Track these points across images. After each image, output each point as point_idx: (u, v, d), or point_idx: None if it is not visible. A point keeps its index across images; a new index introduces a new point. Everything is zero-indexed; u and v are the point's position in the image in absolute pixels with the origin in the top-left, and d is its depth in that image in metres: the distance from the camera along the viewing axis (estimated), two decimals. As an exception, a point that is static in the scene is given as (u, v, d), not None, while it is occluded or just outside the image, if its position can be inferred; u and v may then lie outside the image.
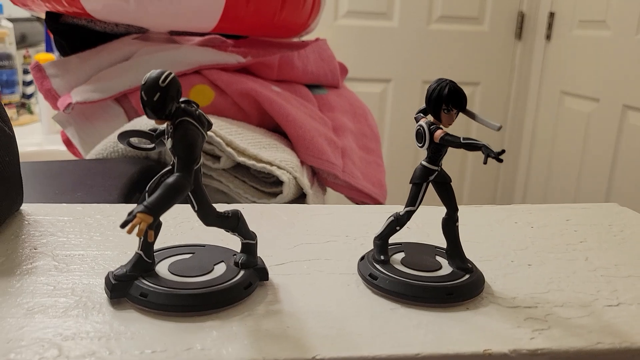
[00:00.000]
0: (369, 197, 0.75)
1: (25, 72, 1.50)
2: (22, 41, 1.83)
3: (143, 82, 0.28)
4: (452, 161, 2.16)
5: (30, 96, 1.50)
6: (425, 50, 2.12)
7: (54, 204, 0.46)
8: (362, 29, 2.07)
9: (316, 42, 0.85)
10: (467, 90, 2.17)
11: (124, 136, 0.33)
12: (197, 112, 0.30)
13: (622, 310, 0.34)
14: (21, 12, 1.99)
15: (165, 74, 0.28)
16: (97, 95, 0.70)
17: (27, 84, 1.50)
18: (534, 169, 2.15)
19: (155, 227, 0.33)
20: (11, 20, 1.68)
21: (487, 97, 2.18)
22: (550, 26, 2.04)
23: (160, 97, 0.28)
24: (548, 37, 2.06)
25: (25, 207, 0.45)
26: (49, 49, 1.65)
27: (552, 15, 2.04)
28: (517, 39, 2.16)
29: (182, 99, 0.30)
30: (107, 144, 0.65)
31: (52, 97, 0.73)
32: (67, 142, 0.77)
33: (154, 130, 0.33)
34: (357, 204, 0.79)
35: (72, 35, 0.76)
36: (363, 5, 2.06)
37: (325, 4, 0.85)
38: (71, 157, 0.83)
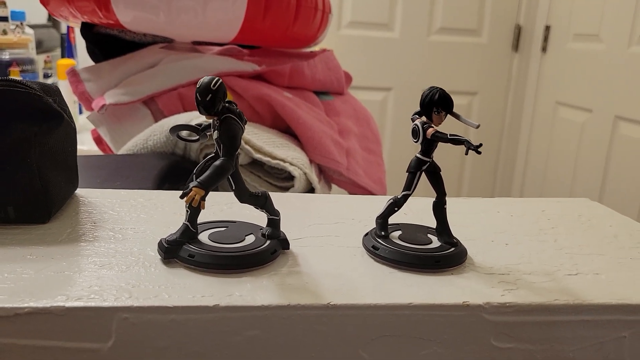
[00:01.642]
0: (370, 193, 0.83)
1: (46, 76, 1.58)
2: (39, 47, 1.91)
3: (198, 86, 0.36)
4: (451, 178, 2.24)
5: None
6: (425, 60, 2.20)
7: (102, 189, 0.54)
8: (365, 39, 2.15)
9: (324, 53, 0.93)
10: (464, 99, 2.25)
11: (175, 129, 0.41)
12: (237, 110, 0.38)
13: (580, 279, 0.42)
14: (38, 19, 2.08)
15: (215, 80, 0.36)
16: (127, 98, 0.77)
17: (47, 87, 1.58)
18: (529, 176, 2.22)
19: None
20: (31, 26, 1.76)
21: (484, 106, 2.26)
22: (546, 39, 2.12)
23: (211, 97, 0.36)
24: (544, 49, 2.13)
25: (78, 191, 0.53)
26: (69, 55, 1.73)
27: (548, 28, 2.12)
28: (514, 50, 2.23)
29: (227, 100, 0.38)
30: (137, 141, 0.73)
31: (85, 99, 0.81)
32: (98, 140, 0.85)
33: (199, 125, 0.41)
34: (360, 200, 0.86)
35: (104, 43, 0.84)
36: (365, 16, 2.14)
37: (332, 18, 0.93)
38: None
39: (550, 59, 2.10)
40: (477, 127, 0.39)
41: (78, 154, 0.51)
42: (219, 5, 0.74)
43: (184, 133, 0.41)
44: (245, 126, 0.75)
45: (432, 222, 0.45)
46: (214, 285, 0.37)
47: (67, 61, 1.50)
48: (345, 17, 2.13)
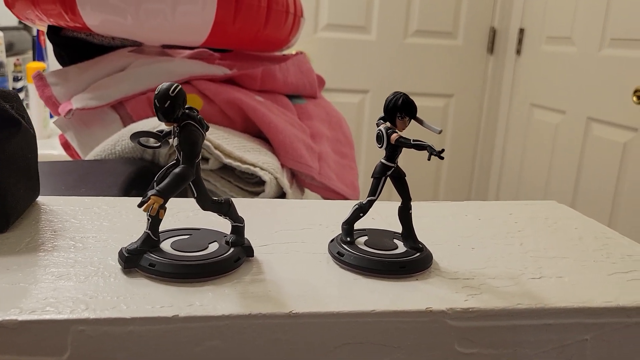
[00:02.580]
0: (342, 197, 0.83)
1: (15, 79, 1.56)
2: (10, 49, 1.88)
3: (156, 92, 0.35)
4: (428, 180, 2.25)
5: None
6: (402, 62, 2.21)
7: (65, 196, 0.53)
8: (341, 42, 2.16)
9: (296, 56, 0.92)
10: (441, 102, 2.27)
11: (136, 136, 0.40)
12: (198, 116, 0.37)
13: (543, 282, 0.42)
14: (9, 21, 2.04)
15: (174, 86, 0.35)
16: (95, 103, 0.76)
17: (17, 90, 1.55)
18: (505, 176, 2.24)
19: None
20: (0, 29, 1.73)
21: (460, 108, 2.28)
22: (520, 41, 2.15)
23: (170, 104, 0.35)
24: (518, 51, 2.16)
25: (40, 199, 0.52)
26: (39, 58, 1.70)
27: (522, 31, 2.14)
28: (489, 53, 2.26)
29: (187, 106, 0.37)
30: (105, 147, 0.72)
31: (52, 103, 0.79)
32: (65, 145, 0.84)
33: (161, 131, 0.40)
34: (333, 204, 0.86)
35: (72, 47, 0.82)
36: (342, 19, 2.14)
37: (305, 22, 0.93)
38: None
39: (524, 62, 2.13)
40: (439, 132, 0.39)
41: (48, 159, 0.49)
42: (188, 8, 0.74)
43: (144, 140, 0.41)
44: (216, 131, 0.75)
45: (399, 227, 0.45)
46: (175, 294, 0.36)
47: (37, 64, 1.48)
48: (322, 19, 2.13)
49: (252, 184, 0.73)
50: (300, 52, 0.97)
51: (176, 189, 0.35)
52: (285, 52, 0.99)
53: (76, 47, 0.82)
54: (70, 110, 0.75)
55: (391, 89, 2.21)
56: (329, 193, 0.82)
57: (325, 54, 2.13)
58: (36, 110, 1.39)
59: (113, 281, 0.37)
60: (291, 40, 0.90)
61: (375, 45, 2.18)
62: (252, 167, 0.69)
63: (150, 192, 0.34)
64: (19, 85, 1.55)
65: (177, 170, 0.36)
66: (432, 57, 2.22)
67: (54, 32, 0.82)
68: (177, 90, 0.35)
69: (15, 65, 1.57)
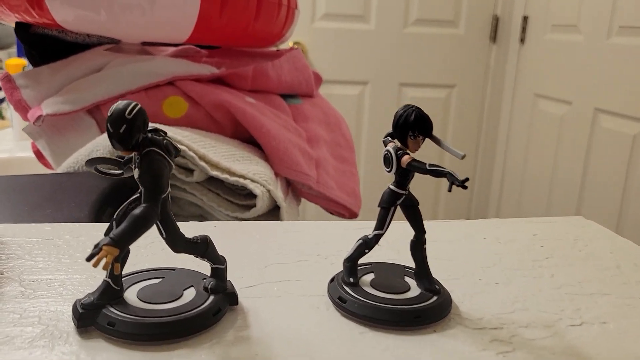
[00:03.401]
0: (343, 207, 0.76)
1: (-4, 76, 1.47)
2: (-6, 43, 1.80)
3: (109, 114, 0.28)
4: (427, 177, 2.18)
5: (1, 101, 1.48)
6: (402, 52, 2.13)
7: (22, 224, 0.46)
8: (339, 32, 2.08)
9: (290, 52, 0.85)
10: (443, 92, 2.19)
11: (92, 162, 0.33)
12: (164, 141, 0.30)
13: (584, 330, 0.35)
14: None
15: (132, 105, 0.28)
16: (69, 107, 0.69)
17: (-3, 88, 1.47)
18: (509, 169, 2.18)
19: (124, 255, 0.33)
20: (-19, 22, 1.63)
21: (462, 99, 2.21)
22: (524, 30, 2.07)
23: (126, 128, 0.28)
24: (522, 40, 2.09)
25: (-8, 227, 0.45)
26: (20, 53, 1.62)
27: (525, 19, 2.07)
28: (492, 42, 2.18)
29: (150, 127, 0.30)
30: (79, 157, 0.65)
31: (22, 108, 0.72)
32: (38, 154, 0.76)
33: (122, 157, 0.33)
34: (331, 213, 0.79)
35: (43, 45, 0.75)
36: (340, 8, 2.06)
37: (299, 14, 0.85)
38: (42, 167, 0.82)
39: (528, 51, 2.06)
40: (462, 157, 0.32)
41: (30, 162, 0.42)
42: (168, 1, 0.66)
43: (102, 167, 0.34)
44: (202, 138, 0.67)
45: (408, 253, 0.38)
46: (138, 364, 0.29)
47: (16, 61, 1.40)
48: (319, 9, 2.05)
49: (243, 197, 0.65)
50: (294, 46, 0.90)
51: (135, 235, 0.28)
52: (280, 46, 0.91)
53: (47, 45, 0.75)
54: (40, 116, 0.67)
55: (391, 79, 2.14)
56: (329, 203, 0.75)
57: (322, 45, 2.05)
58: (17, 108, 1.31)
59: (63, 346, 0.30)
60: (285, 34, 0.83)
61: (374, 34, 2.11)
62: (241, 180, 0.62)
63: (102, 241, 0.27)
64: None
65: (137, 211, 0.28)
66: (433, 46, 2.14)
67: (22, 29, 0.74)
68: (135, 110, 0.28)
69: (-5, 61, 1.48)
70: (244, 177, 0.62)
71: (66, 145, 0.71)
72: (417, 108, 0.34)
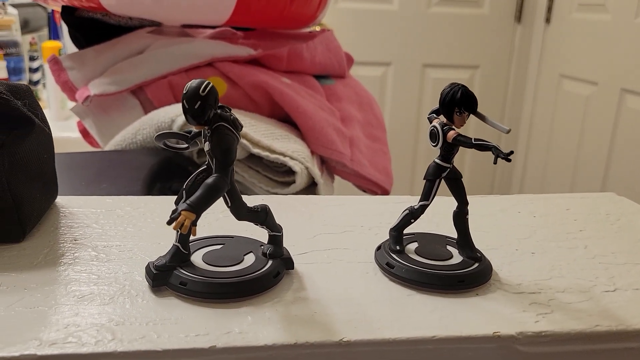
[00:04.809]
0: (375, 184, 0.78)
1: (32, 58, 1.52)
2: (25, 26, 1.83)
3: (184, 92, 0.31)
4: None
5: (37, 82, 1.52)
6: (425, 33, 2.13)
7: (85, 196, 0.49)
8: (362, 12, 2.08)
9: (323, 34, 0.87)
10: (466, 73, 2.19)
11: (161, 137, 0.36)
12: (231, 117, 0.33)
13: (618, 296, 0.37)
14: (23, -3, 1.99)
15: (205, 84, 0.31)
16: (114, 88, 0.72)
17: (33, 70, 1.51)
18: (533, 150, 2.17)
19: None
20: (14, 6, 1.68)
21: (486, 80, 2.20)
22: (549, 9, 2.05)
23: (200, 105, 0.31)
24: (547, 20, 2.07)
25: (59, 199, 0.48)
26: (53, 36, 1.66)
27: (552, -2, 2.05)
28: (516, 22, 2.17)
29: (218, 105, 0.33)
30: (126, 136, 0.68)
31: (69, 89, 0.75)
32: (84, 132, 0.80)
33: (189, 132, 0.36)
34: (364, 191, 0.82)
35: (87, 28, 0.78)
36: (364, -12, 2.06)
37: (332, -5, 0.87)
38: (83, 145, 0.86)
39: (554, 30, 2.04)
40: (508, 131, 0.34)
41: (67, 142, 0.45)
42: (209, -15, 0.69)
43: (171, 141, 0.36)
44: (242, 117, 0.70)
45: (448, 225, 0.40)
46: (210, 318, 0.32)
47: (52, 43, 1.44)
48: (342, -10, 2.05)
49: (282, 174, 0.68)
50: (326, 28, 0.92)
51: (209, 202, 0.31)
52: (311, 28, 0.93)
53: (92, 28, 0.78)
54: (88, 96, 0.71)
55: (414, 60, 2.14)
56: (362, 180, 0.78)
57: (345, 25, 2.06)
58: (53, 90, 1.35)
59: (141, 302, 0.33)
60: (319, 16, 0.85)
61: (397, 15, 2.11)
62: (281, 157, 0.65)
63: (180, 207, 0.30)
64: (35, 64, 1.51)
65: (210, 180, 0.31)
66: (456, 26, 2.13)
67: (68, 13, 0.77)
68: (208, 88, 0.31)
69: (30, 44, 1.52)
70: (284, 155, 0.65)
71: (111, 124, 0.74)
72: (463, 86, 0.36)
